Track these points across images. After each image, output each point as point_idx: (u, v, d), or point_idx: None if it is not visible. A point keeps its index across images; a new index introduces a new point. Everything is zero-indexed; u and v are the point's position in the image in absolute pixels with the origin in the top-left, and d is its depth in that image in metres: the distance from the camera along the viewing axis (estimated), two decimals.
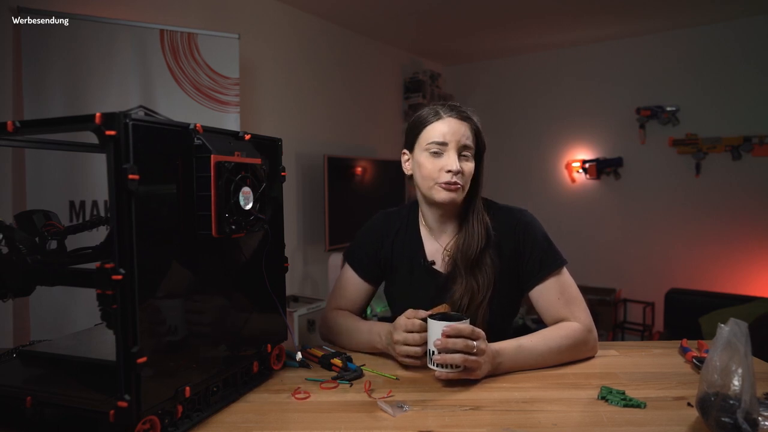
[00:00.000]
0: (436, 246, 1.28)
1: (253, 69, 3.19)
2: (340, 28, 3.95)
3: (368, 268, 1.32)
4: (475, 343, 0.99)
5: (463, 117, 1.19)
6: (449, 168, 1.15)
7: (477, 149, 1.22)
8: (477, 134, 1.21)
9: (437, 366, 0.99)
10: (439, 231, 1.28)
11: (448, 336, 0.98)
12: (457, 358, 0.97)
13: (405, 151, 1.28)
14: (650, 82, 4.19)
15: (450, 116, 1.19)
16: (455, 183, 1.16)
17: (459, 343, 0.97)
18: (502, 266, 1.22)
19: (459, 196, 1.19)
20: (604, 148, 4.45)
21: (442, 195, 1.18)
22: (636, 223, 4.31)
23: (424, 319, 1.05)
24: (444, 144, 1.17)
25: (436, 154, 1.18)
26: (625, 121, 4.31)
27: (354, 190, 3.68)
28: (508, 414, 0.88)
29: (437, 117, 1.19)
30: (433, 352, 1.00)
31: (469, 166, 1.19)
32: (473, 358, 0.98)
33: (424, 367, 1.05)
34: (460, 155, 1.17)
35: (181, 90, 2.49)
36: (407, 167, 1.28)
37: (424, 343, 1.05)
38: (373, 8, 3.57)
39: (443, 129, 1.17)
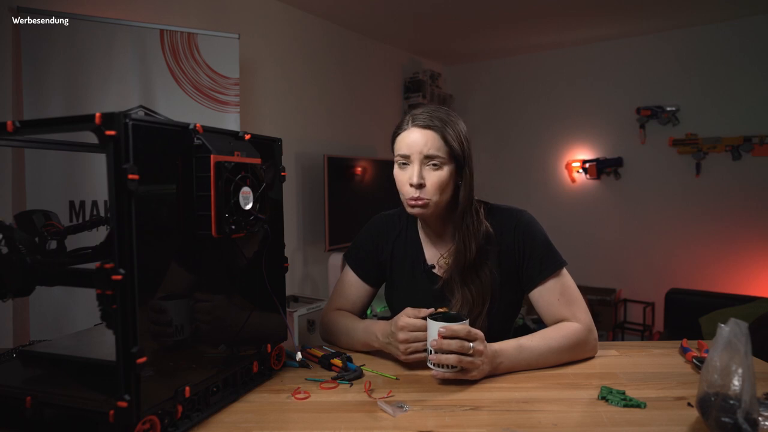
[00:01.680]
0: (435, 251, 1.28)
1: (253, 69, 3.19)
2: (340, 28, 3.95)
3: (368, 269, 1.32)
4: (471, 344, 0.99)
5: (425, 125, 1.13)
6: (410, 181, 1.13)
7: (454, 155, 1.15)
8: (447, 141, 1.13)
9: (434, 366, 1.00)
10: (437, 236, 1.28)
11: (444, 337, 0.98)
12: (451, 358, 0.98)
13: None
14: (650, 82, 4.19)
15: (414, 126, 1.14)
16: (418, 198, 1.13)
17: (453, 344, 0.98)
18: (502, 268, 1.22)
19: (428, 211, 1.15)
20: (604, 148, 4.45)
21: (410, 210, 1.17)
22: (636, 223, 4.31)
23: (425, 318, 1.05)
24: (407, 156, 1.15)
25: (403, 166, 1.16)
26: (625, 121, 4.31)
27: (354, 190, 3.68)
28: (508, 414, 0.88)
29: (405, 127, 1.16)
30: (431, 351, 1.00)
31: (435, 176, 1.13)
32: (468, 359, 0.98)
33: (424, 367, 1.05)
34: (425, 166, 1.13)
35: (181, 90, 2.49)
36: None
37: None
38: (373, 8, 3.57)
39: (407, 140, 1.14)
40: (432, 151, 1.12)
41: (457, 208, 1.19)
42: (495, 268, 1.21)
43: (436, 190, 1.14)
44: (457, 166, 1.17)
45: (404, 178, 1.16)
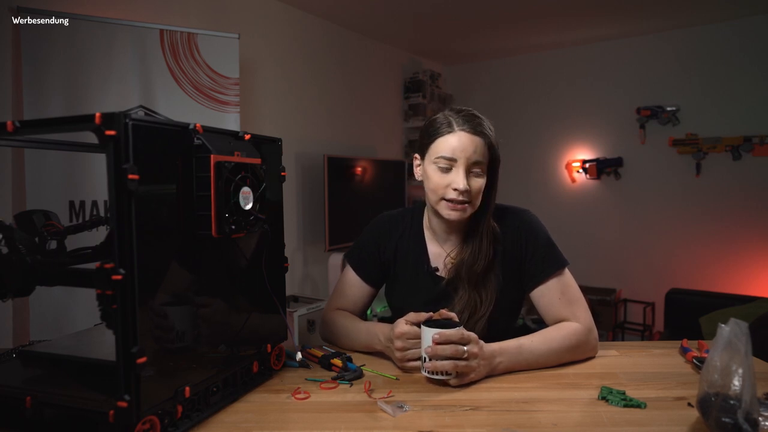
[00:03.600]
0: (440, 251, 1.28)
1: (253, 69, 3.19)
2: (340, 28, 3.95)
3: (369, 269, 1.32)
4: (465, 348, 0.98)
5: (476, 131, 1.13)
6: (456, 186, 1.12)
7: (490, 162, 1.18)
8: (490, 148, 1.16)
9: (429, 373, 1.00)
10: (444, 237, 1.28)
11: (437, 343, 0.98)
12: (447, 365, 0.97)
13: (416, 155, 1.25)
14: (650, 82, 4.19)
15: (462, 130, 1.13)
16: (462, 202, 1.13)
17: (448, 349, 0.97)
18: (505, 267, 1.22)
19: (465, 214, 1.16)
20: (604, 148, 4.45)
21: (448, 213, 1.15)
22: (636, 223, 4.31)
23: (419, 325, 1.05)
24: (453, 160, 1.13)
25: (445, 169, 1.14)
26: (625, 121, 4.31)
27: (354, 190, 3.68)
28: (508, 414, 0.88)
29: (450, 129, 1.14)
30: (426, 359, 1.00)
31: (479, 183, 1.15)
32: (463, 363, 0.98)
33: None
34: (469, 172, 1.14)
35: (181, 90, 2.49)
36: (418, 172, 1.25)
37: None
38: (373, 8, 3.57)
39: (454, 144, 1.12)
40: (479, 158, 1.14)
41: (476, 213, 1.20)
42: (499, 269, 1.22)
43: (477, 196, 1.16)
44: (490, 173, 1.18)
45: (445, 180, 1.14)
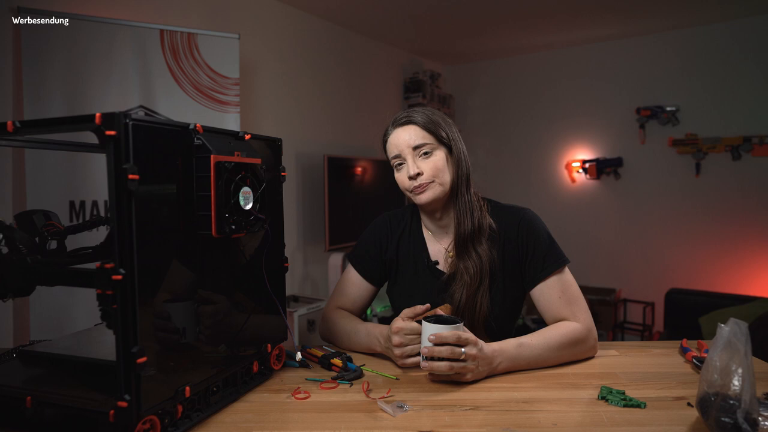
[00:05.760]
0: (439, 246, 1.29)
1: (253, 69, 3.19)
2: (340, 28, 3.95)
3: (371, 268, 1.33)
4: (462, 350, 0.98)
5: (404, 123, 1.21)
6: (409, 174, 1.19)
7: (440, 139, 1.20)
8: (428, 128, 1.19)
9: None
10: (440, 232, 1.29)
11: (435, 344, 0.98)
12: (443, 366, 0.98)
13: None
14: (650, 82, 4.19)
15: (394, 128, 1.22)
16: (420, 185, 1.18)
17: (444, 351, 0.97)
18: (505, 265, 1.23)
19: (435, 193, 1.19)
20: (604, 148, 4.45)
21: (418, 199, 1.21)
22: (636, 223, 4.32)
23: (420, 321, 1.05)
24: (398, 156, 1.21)
25: (400, 166, 1.22)
26: (625, 121, 4.31)
27: (354, 190, 3.68)
28: (508, 414, 0.88)
29: (387, 135, 1.24)
30: (424, 356, 1.00)
31: (430, 162, 1.19)
32: (459, 365, 0.98)
33: None
34: (418, 157, 1.19)
35: (181, 90, 2.49)
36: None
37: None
38: (373, 8, 3.57)
39: (394, 142, 1.22)
40: (418, 141, 1.19)
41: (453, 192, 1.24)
42: (494, 253, 1.22)
43: (434, 173, 1.19)
44: (450, 150, 1.23)
45: (403, 175, 1.21)
